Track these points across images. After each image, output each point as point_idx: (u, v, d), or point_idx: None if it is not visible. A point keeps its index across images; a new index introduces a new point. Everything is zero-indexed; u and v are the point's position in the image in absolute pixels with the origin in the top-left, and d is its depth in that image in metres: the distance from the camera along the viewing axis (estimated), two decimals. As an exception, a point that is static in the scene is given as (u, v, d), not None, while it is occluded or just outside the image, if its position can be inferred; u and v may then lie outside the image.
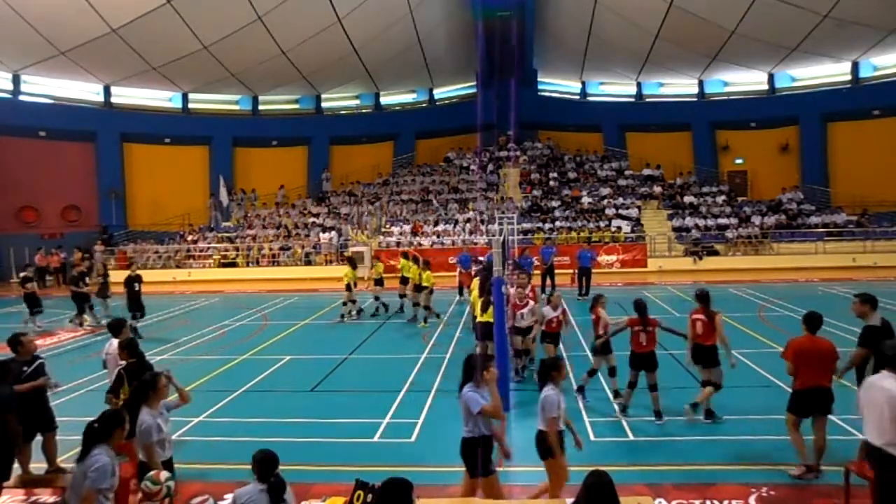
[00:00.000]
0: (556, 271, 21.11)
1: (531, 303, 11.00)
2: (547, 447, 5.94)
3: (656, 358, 8.76)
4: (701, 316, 8.59)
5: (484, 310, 10.65)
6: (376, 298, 18.16)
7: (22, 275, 17.89)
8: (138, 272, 16.89)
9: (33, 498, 7.01)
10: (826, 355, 6.99)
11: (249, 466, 7.31)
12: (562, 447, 5.95)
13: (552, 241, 25.35)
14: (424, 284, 16.40)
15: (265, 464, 4.95)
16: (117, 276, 20.92)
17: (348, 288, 17.41)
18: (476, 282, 13.21)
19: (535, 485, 6.99)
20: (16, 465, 6.57)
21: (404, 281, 17.87)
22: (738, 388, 9.63)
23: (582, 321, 13.94)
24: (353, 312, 17.56)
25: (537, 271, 19.81)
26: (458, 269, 20.14)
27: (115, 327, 8.17)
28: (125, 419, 5.19)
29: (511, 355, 11.12)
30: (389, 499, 3.71)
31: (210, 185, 34.87)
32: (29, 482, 6.80)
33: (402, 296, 18.04)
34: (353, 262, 18.16)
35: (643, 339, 8.65)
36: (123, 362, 7.34)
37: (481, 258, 18.44)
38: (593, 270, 20.70)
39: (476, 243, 26.46)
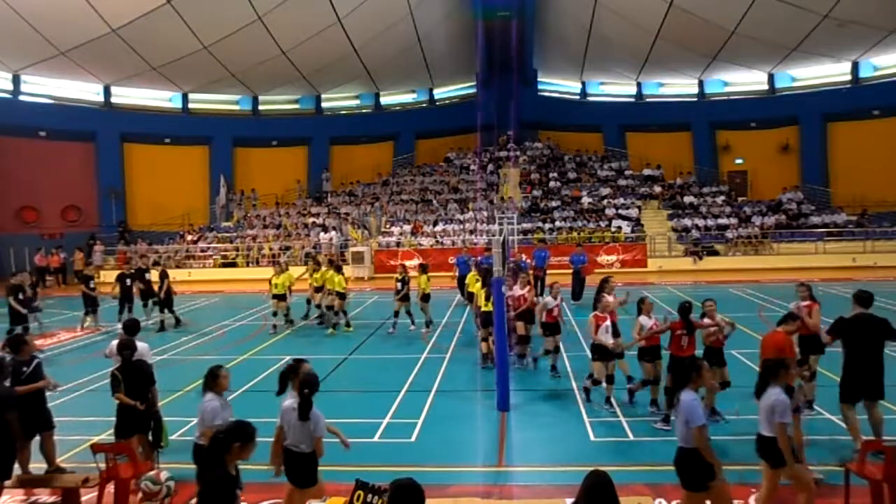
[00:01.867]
0: (558, 272, 20.96)
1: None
2: (777, 455, 5.46)
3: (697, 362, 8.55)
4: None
5: (487, 300, 11.40)
6: (318, 306, 16.91)
7: (84, 273, 17.79)
8: (165, 269, 17.63)
9: (33, 498, 7.01)
10: (778, 348, 6.97)
11: (250, 467, 7.35)
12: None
13: (545, 244, 24.62)
14: (338, 290, 15.62)
15: (304, 383, 5.61)
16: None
17: (283, 297, 15.98)
18: (471, 276, 14.67)
19: (535, 485, 7.00)
20: (16, 466, 6.56)
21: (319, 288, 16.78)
22: (738, 388, 9.61)
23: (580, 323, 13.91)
24: (282, 322, 16.19)
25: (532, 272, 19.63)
26: (457, 270, 20.04)
27: (130, 328, 8.17)
28: (221, 373, 6.01)
29: (510, 346, 11.40)
30: (400, 500, 3.72)
31: (210, 185, 34.94)
32: (29, 482, 6.80)
33: (316, 304, 16.97)
34: (278, 266, 16.71)
35: (684, 343, 8.41)
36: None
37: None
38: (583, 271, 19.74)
39: (476, 243, 26.45)
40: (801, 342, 8.47)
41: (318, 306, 16.84)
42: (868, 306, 7.39)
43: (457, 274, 19.80)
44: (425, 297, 15.53)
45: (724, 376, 8.76)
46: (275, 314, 16.16)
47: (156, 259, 24.46)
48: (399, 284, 15.48)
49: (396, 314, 15.53)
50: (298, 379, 5.83)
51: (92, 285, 16.93)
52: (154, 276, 17.94)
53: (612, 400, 9.41)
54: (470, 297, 15.35)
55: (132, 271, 17.74)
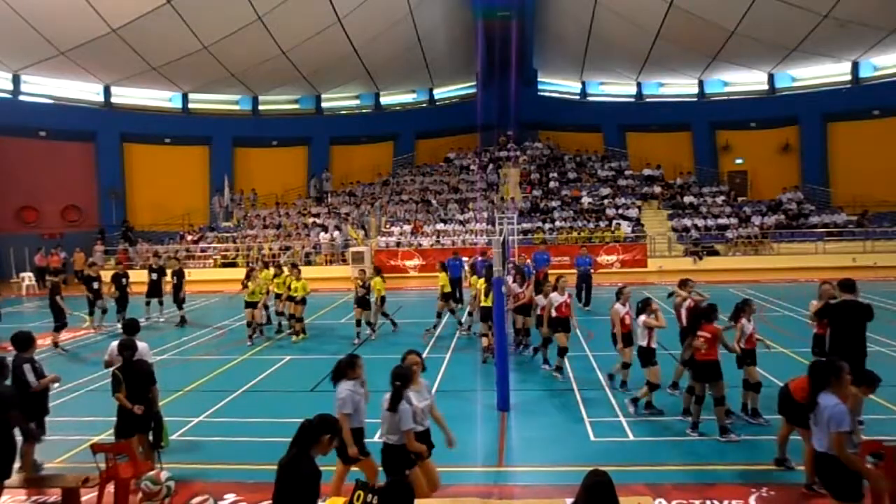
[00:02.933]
0: (558, 272, 20.77)
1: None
2: None
3: (719, 367, 8.01)
4: None
5: (486, 295, 12.11)
6: (279, 314, 15.99)
7: (85, 274, 17.81)
8: (182, 268, 18.37)
9: (33, 498, 7.01)
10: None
11: (249, 466, 7.35)
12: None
13: (546, 245, 23.72)
14: (295, 295, 14.73)
15: (395, 375, 5.88)
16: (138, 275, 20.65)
17: (256, 305, 14.87)
18: (442, 276, 15.48)
19: (535, 485, 6.99)
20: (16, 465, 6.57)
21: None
22: (737, 388, 9.61)
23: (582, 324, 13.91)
24: (258, 331, 15.13)
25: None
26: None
27: (131, 327, 8.19)
28: (358, 363, 6.28)
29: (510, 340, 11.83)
30: (393, 500, 3.72)
31: (210, 185, 34.97)
32: (29, 482, 6.80)
33: (279, 313, 15.97)
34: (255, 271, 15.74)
35: (702, 346, 8.02)
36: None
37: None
38: (593, 273, 19.08)
39: (476, 243, 26.44)
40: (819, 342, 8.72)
41: (280, 313, 15.96)
42: (853, 292, 7.98)
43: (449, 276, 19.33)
44: (381, 300, 15.02)
45: (754, 377, 8.63)
46: (261, 324, 15.25)
47: (170, 256, 24.74)
48: (362, 290, 14.54)
49: (360, 323, 14.60)
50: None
51: (96, 286, 16.97)
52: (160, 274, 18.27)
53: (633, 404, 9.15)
54: (446, 297, 15.36)
55: (125, 271, 17.97)
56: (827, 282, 9.14)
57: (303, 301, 14.86)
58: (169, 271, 18.04)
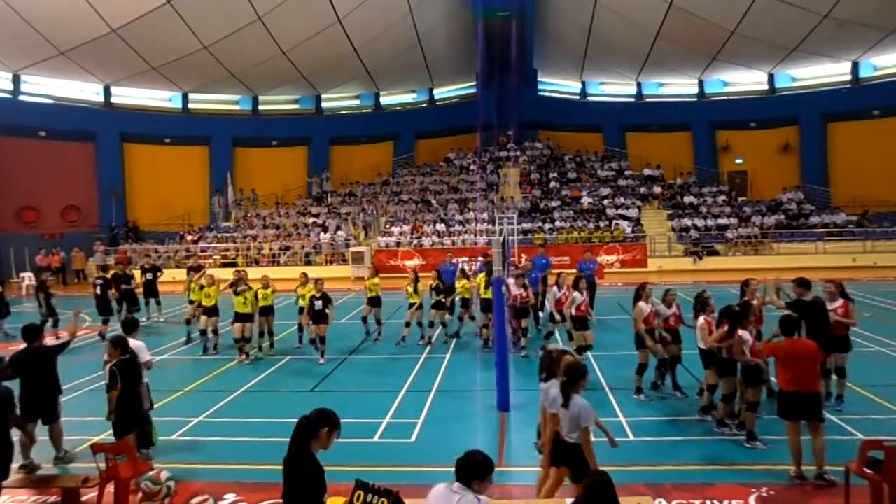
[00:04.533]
0: (563, 272, 20.62)
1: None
2: None
3: (757, 371, 7.87)
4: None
5: (487, 288, 12.67)
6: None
7: (124, 273, 17.79)
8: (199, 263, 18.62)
9: (33, 498, 7.01)
10: (803, 356, 6.83)
11: (249, 466, 7.35)
12: None
13: (545, 248, 22.23)
14: (263, 304, 13.10)
15: (564, 373, 5.78)
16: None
17: (214, 311, 13.64)
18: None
19: (535, 485, 6.99)
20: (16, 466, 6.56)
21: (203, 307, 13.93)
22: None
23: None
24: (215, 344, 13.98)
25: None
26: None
27: (130, 326, 8.19)
28: (555, 361, 6.17)
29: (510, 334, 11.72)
30: (471, 467, 3.82)
31: (210, 185, 34.97)
32: (28, 482, 6.80)
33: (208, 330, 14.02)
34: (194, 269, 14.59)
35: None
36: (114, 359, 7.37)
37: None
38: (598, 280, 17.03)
39: (476, 243, 26.44)
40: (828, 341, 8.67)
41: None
42: (811, 288, 8.91)
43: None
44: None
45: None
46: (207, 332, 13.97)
47: (169, 256, 24.81)
48: (319, 303, 12.44)
49: (314, 341, 12.90)
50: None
51: (133, 284, 17.01)
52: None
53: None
54: (437, 306, 14.06)
55: (125, 272, 18.00)
56: (832, 281, 9.54)
57: (271, 310, 13.36)
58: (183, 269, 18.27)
